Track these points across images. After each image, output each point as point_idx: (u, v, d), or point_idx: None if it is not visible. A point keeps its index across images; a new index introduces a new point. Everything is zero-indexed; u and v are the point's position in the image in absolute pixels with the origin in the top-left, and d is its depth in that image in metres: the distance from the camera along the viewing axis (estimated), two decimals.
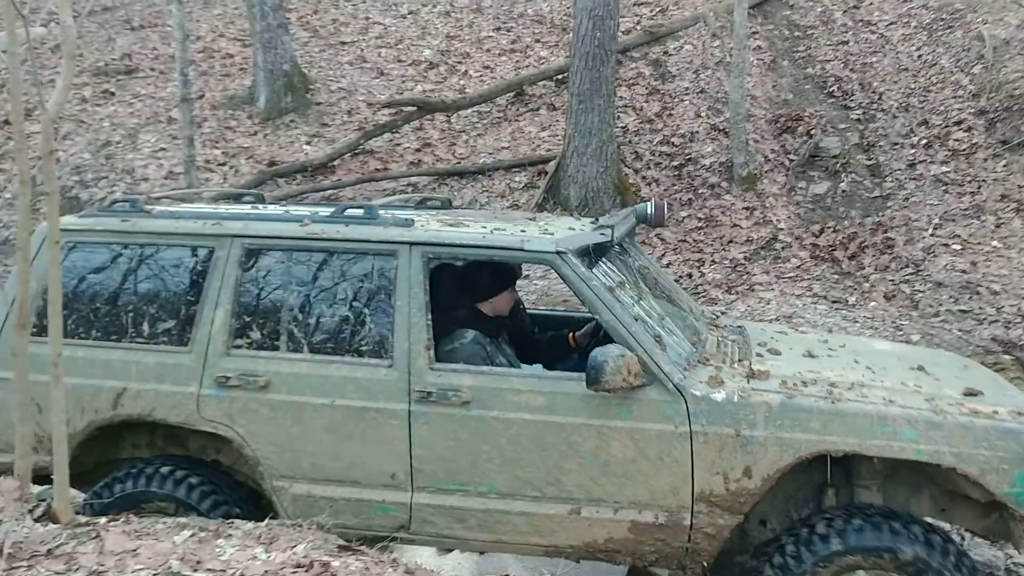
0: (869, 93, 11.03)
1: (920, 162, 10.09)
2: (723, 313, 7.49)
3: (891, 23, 12.19)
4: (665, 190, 9.47)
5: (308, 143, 10.74)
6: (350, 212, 4.18)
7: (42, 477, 4.08)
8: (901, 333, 7.24)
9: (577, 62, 9.10)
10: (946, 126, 10.49)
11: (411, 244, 3.98)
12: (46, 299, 4.01)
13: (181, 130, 9.33)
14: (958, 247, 8.81)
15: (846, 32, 12.07)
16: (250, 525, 3.57)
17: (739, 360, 4.02)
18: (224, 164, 10.38)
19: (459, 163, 10.13)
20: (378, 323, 4.01)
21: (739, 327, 4.65)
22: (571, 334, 4.89)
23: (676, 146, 9.93)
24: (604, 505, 3.82)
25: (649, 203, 4.76)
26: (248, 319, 4.06)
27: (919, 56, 11.56)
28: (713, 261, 8.73)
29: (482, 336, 4.23)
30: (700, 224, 9.20)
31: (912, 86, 11.11)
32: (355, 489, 3.99)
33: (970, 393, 3.78)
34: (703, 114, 10.32)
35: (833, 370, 3.92)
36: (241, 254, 4.10)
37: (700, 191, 9.48)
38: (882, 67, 11.42)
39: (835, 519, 3.58)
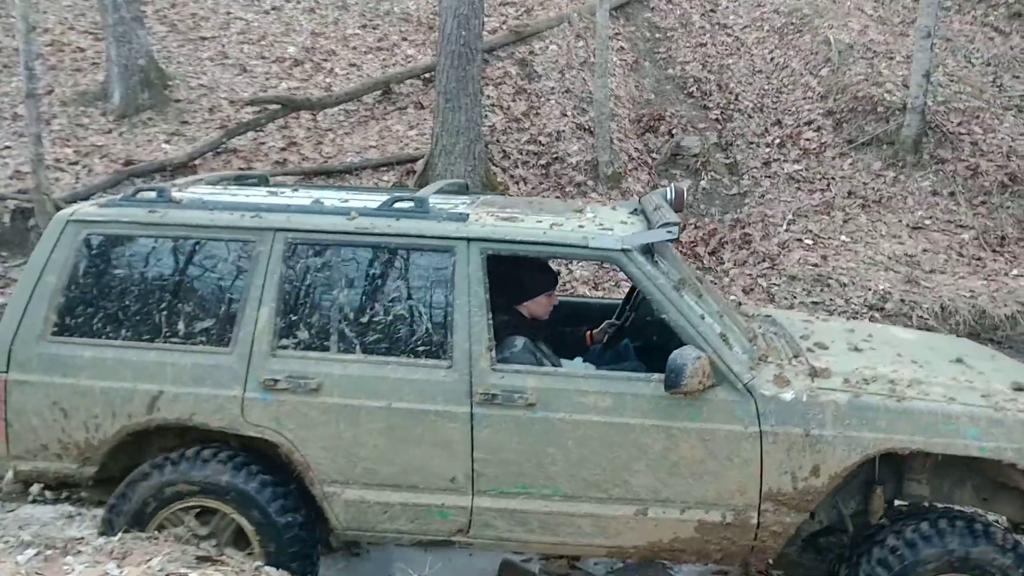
0: (726, 94, 11.46)
1: (775, 160, 10.55)
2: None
3: (746, 26, 12.69)
4: (532, 189, 9.58)
5: (167, 142, 10.35)
6: (400, 205, 3.94)
7: (67, 484, 3.96)
8: None
9: (443, 61, 9.09)
10: (798, 126, 11.00)
11: (469, 240, 3.80)
12: (67, 295, 3.85)
13: (27, 127, 8.85)
14: (810, 242, 9.25)
15: (704, 35, 12.50)
16: (101, 540, 3.43)
17: (795, 356, 3.96)
18: (76, 163, 9.88)
19: (326, 162, 9.97)
20: (435, 322, 3.83)
21: (769, 316, 4.58)
22: (588, 332, 4.78)
23: (543, 145, 10.06)
24: (671, 505, 3.76)
25: (668, 188, 4.64)
26: (294, 318, 3.84)
27: (772, 59, 12.07)
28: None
29: (531, 343, 4.08)
30: None
31: (766, 87, 11.60)
32: (412, 494, 3.83)
33: (1019, 388, 3.84)
34: (569, 113, 10.49)
35: (886, 366, 3.91)
36: (284, 249, 3.85)
37: (567, 189, 9.63)
38: (738, 69, 11.87)
39: (931, 522, 3.64)
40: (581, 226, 3.91)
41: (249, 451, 3.87)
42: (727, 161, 10.52)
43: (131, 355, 3.81)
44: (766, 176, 10.29)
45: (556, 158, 9.95)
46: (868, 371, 3.81)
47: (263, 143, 10.35)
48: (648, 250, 3.84)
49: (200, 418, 3.80)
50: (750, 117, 11.13)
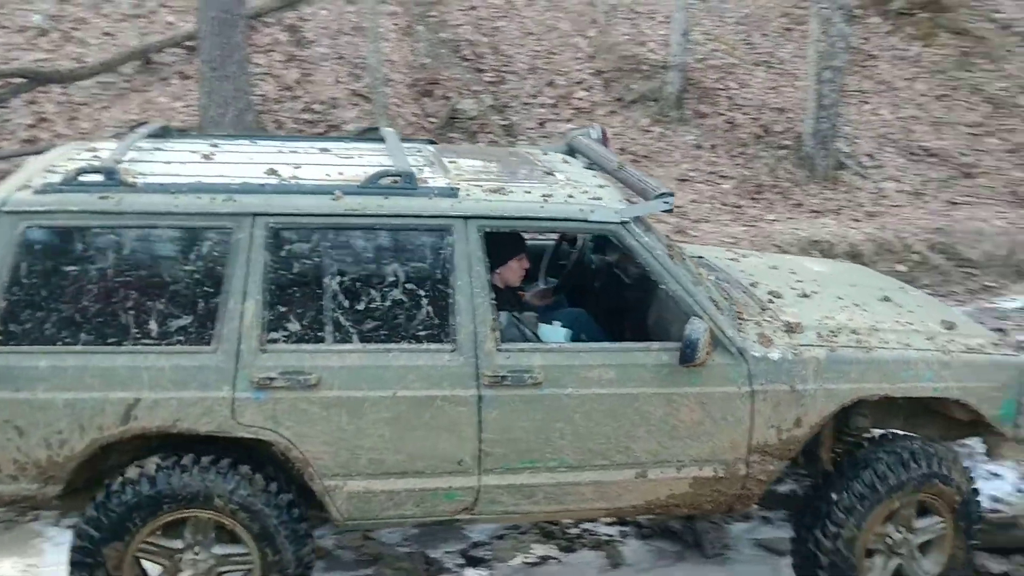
0: (500, 56, 11.58)
1: (549, 120, 10.80)
2: None
3: None
4: None
5: None
6: (385, 181, 3.65)
7: (25, 507, 3.59)
8: None
9: (205, 27, 8.63)
10: (569, 86, 11.30)
11: (466, 218, 3.66)
12: (10, 298, 3.38)
13: None
14: None
15: None
16: None
17: (762, 310, 4.14)
18: None
19: (83, 138, 9.28)
20: (437, 305, 3.65)
21: (702, 258, 4.56)
22: (520, 294, 4.71)
23: (318, 113, 9.82)
24: (668, 465, 3.90)
25: (592, 128, 4.65)
26: (283, 309, 3.55)
27: (542, 21, 12.30)
28: None
29: (513, 317, 4.04)
30: None
31: (537, 49, 11.81)
32: (419, 479, 3.73)
33: (948, 326, 4.29)
34: (343, 80, 10.28)
35: (839, 313, 4.22)
36: (267, 235, 3.52)
37: None
38: (510, 31, 12.02)
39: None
40: (571, 196, 3.85)
41: (235, 451, 3.61)
42: (504, 123, 10.66)
43: (97, 361, 3.43)
44: (542, 136, 10.52)
45: (332, 126, 9.74)
46: (830, 322, 4.11)
47: (8, 120, 9.49)
48: (642, 220, 3.89)
49: (186, 424, 3.49)
50: (524, 79, 11.31)
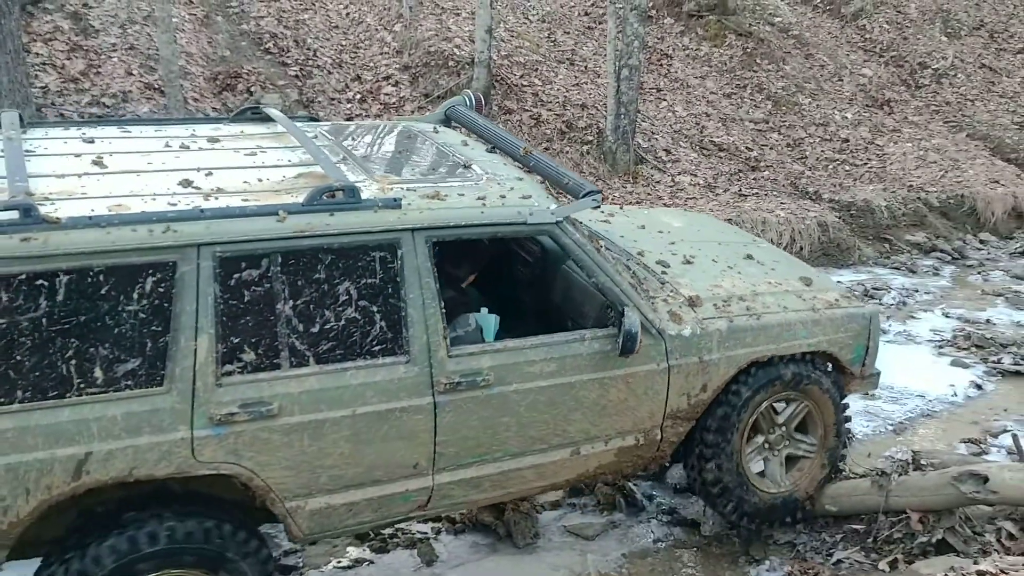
0: (304, 50, 11.33)
1: (356, 115, 10.66)
2: None
3: None
4: None
5: None
6: (326, 198, 3.52)
7: None
8: None
9: None
10: (377, 81, 11.21)
11: (413, 230, 3.68)
12: None
13: None
14: None
15: None
16: None
17: (661, 284, 4.52)
18: None
19: None
20: (390, 319, 3.67)
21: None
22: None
23: (108, 107, 9.24)
24: (598, 441, 4.30)
25: (466, 95, 4.90)
26: (237, 341, 3.41)
27: (347, 14, 12.13)
28: None
29: (480, 317, 4.31)
30: None
31: (343, 43, 11.64)
32: (376, 487, 3.82)
33: (807, 282, 4.91)
34: (135, 72, 9.73)
35: (723, 280, 4.73)
36: (215, 265, 3.34)
37: None
38: (315, 24, 11.77)
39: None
40: (504, 197, 3.95)
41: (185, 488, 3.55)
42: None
43: (38, 419, 3.17)
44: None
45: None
46: (720, 291, 4.62)
47: None
48: (571, 219, 4.12)
49: (143, 471, 3.34)
50: (330, 73, 11.12)
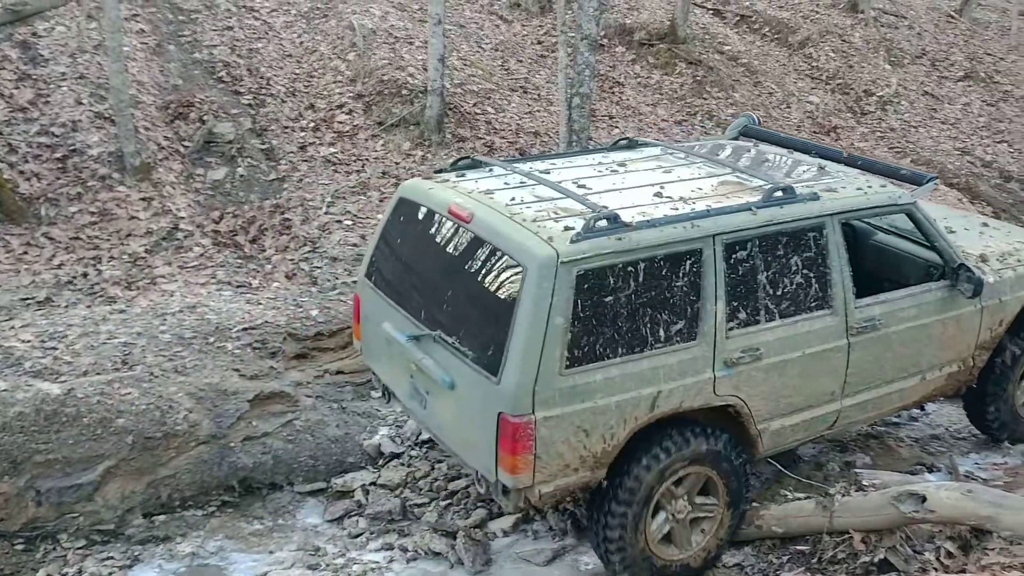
0: (258, 78, 11.34)
1: (310, 144, 10.69)
2: (123, 311, 7.21)
3: (273, 10, 12.65)
4: (48, 185, 8.72)
5: None
6: (777, 194, 4.85)
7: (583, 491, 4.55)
8: (302, 310, 7.65)
9: None
10: (330, 110, 11.24)
11: (832, 215, 4.98)
12: (575, 330, 4.24)
13: None
14: (349, 222, 9.55)
15: (230, 18, 12.23)
16: None
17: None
18: None
19: None
20: (820, 282, 4.95)
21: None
22: None
23: (57, 136, 9.19)
24: (935, 369, 5.63)
25: (746, 116, 6.60)
26: (735, 304, 4.67)
27: (301, 43, 12.18)
28: (111, 257, 8.30)
29: None
30: (94, 219, 8.66)
31: (297, 72, 11.68)
32: (809, 412, 5.11)
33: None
34: (85, 101, 9.68)
35: (988, 243, 5.99)
36: (722, 250, 4.59)
37: (90, 184, 8.91)
38: (268, 53, 11.81)
39: None
40: (870, 186, 5.30)
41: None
42: (263, 147, 10.45)
43: (630, 368, 4.39)
44: (303, 160, 10.40)
45: (74, 150, 9.14)
46: (992, 250, 5.90)
47: None
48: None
49: (687, 404, 4.59)
50: (283, 102, 11.14)
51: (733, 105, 14.04)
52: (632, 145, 5.91)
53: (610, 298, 4.32)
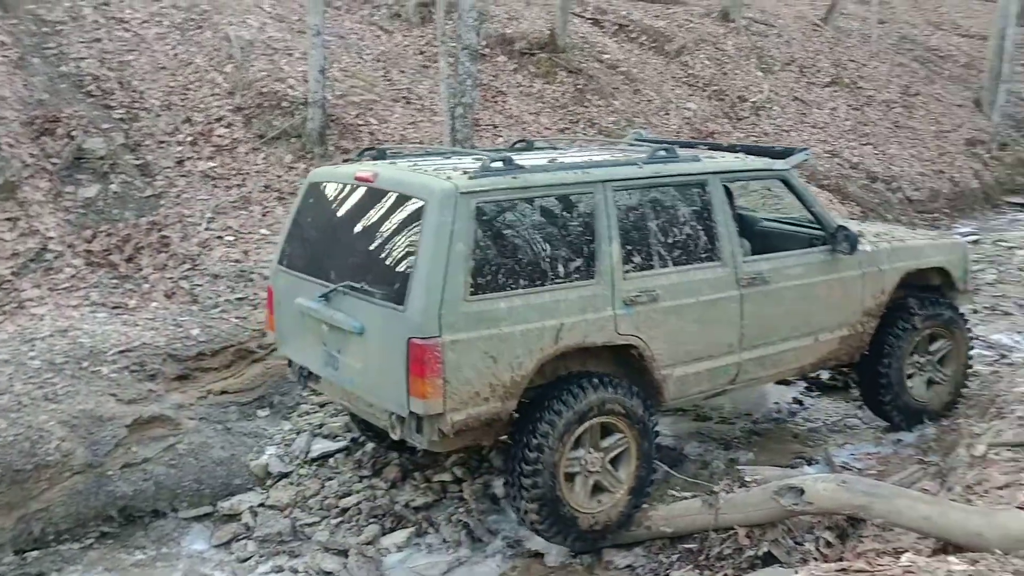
0: (130, 92, 10.96)
1: (188, 159, 10.38)
2: None
3: (144, 22, 12.24)
4: None
5: None
6: (660, 153, 5.42)
7: (493, 422, 4.66)
8: (182, 329, 7.42)
9: None
10: (209, 123, 10.95)
11: (714, 173, 5.49)
12: (476, 258, 4.52)
13: None
14: (231, 238, 9.31)
15: (98, 29, 11.77)
16: None
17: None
18: None
19: None
20: (710, 235, 5.37)
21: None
22: None
23: None
24: (826, 331, 6.04)
25: (636, 132, 7.56)
26: (630, 248, 5.02)
27: (176, 55, 11.83)
28: None
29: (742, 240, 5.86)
30: None
31: (172, 85, 11.33)
32: (710, 361, 5.43)
33: (912, 228, 6.56)
34: None
35: (860, 227, 6.58)
36: (612, 196, 4.98)
37: None
38: (140, 66, 11.42)
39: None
40: (751, 159, 6.02)
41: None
42: (137, 162, 10.09)
43: (532, 300, 4.68)
44: (180, 175, 10.09)
45: None
46: (866, 229, 6.62)
47: None
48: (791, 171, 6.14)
49: (590, 339, 4.87)
50: (158, 116, 10.79)
51: (614, 113, 14.33)
52: (530, 147, 6.32)
53: (509, 231, 4.69)
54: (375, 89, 12.49)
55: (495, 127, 13.07)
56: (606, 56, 15.84)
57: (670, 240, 5.22)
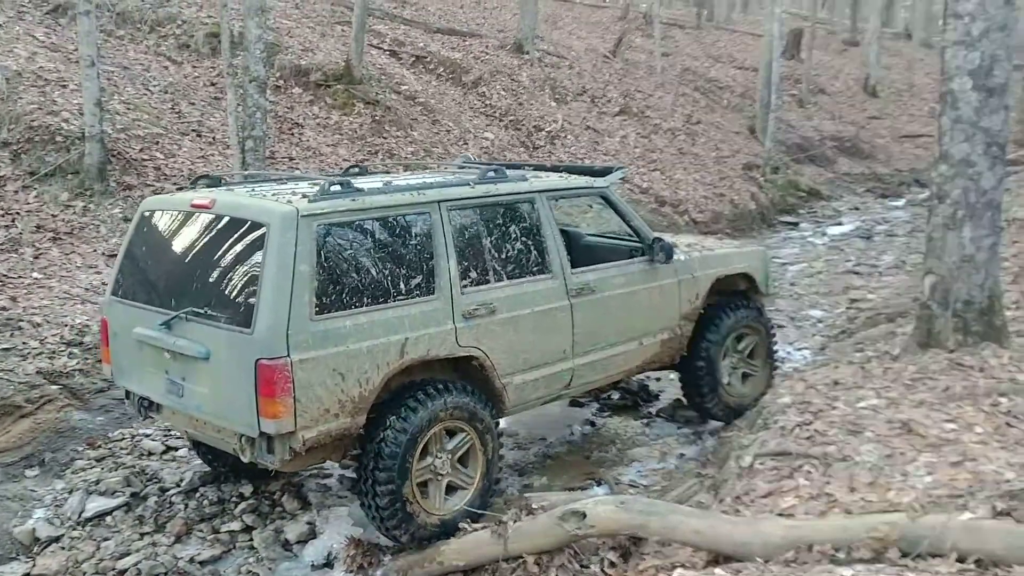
0: None
1: None
2: None
3: None
4: None
5: None
6: (490, 174, 5.69)
7: (343, 438, 4.85)
8: None
9: None
10: None
11: (540, 191, 5.86)
12: (320, 279, 4.68)
13: None
14: None
15: None
16: None
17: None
18: None
19: None
20: (539, 250, 5.73)
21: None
22: None
23: None
24: (650, 335, 6.51)
25: (464, 157, 7.90)
26: (466, 264, 5.32)
27: None
28: None
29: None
30: None
31: None
32: (546, 368, 5.77)
33: (721, 239, 7.61)
34: None
35: (675, 239, 7.01)
36: (447, 215, 5.27)
37: None
38: None
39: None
40: (573, 179, 6.43)
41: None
42: None
43: (375, 317, 4.84)
44: None
45: None
46: (680, 241, 7.18)
47: None
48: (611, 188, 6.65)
49: (433, 352, 5.07)
50: None
51: (412, 143, 14.42)
52: (364, 171, 6.44)
53: (350, 251, 4.83)
54: (161, 122, 11.99)
55: (292, 159, 12.84)
56: (404, 87, 15.92)
57: (504, 255, 5.54)
